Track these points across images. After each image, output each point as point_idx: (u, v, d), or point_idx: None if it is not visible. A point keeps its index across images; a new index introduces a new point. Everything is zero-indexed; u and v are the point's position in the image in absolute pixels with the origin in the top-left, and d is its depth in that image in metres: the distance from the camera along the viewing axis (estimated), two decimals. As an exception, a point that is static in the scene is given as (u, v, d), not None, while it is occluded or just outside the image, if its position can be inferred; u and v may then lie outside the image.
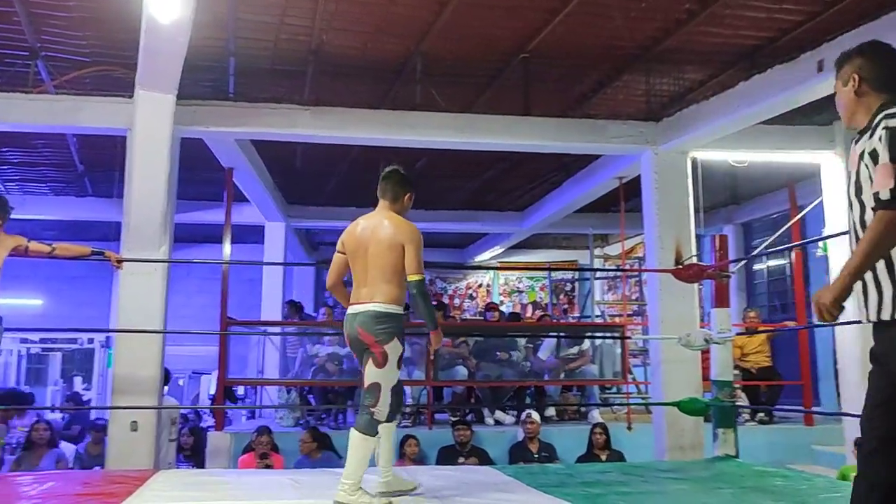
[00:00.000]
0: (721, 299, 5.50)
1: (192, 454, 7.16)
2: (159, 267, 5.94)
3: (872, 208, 2.18)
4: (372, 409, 3.45)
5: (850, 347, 6.78)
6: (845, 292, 2.19)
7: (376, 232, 3.64)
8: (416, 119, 6.73)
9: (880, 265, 2.21)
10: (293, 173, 9.74)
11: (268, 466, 6.08)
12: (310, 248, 13.42)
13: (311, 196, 10.82)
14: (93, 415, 8.33)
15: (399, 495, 3.68)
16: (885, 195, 2.13)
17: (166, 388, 6.68)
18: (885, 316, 2.19)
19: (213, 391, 10.06)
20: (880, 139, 2.18)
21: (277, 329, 9.00)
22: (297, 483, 4.06)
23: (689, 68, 6.72)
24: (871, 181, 2.19)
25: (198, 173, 8.92)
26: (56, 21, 5.70)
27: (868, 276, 2.23)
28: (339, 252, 3.78)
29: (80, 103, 6.11)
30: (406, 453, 6.44)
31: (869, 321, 2.26)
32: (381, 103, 6.92)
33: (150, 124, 5.73)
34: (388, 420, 3.56)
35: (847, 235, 2.45)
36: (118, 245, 5.85)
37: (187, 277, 12.73)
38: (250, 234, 11.63)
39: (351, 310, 3.59)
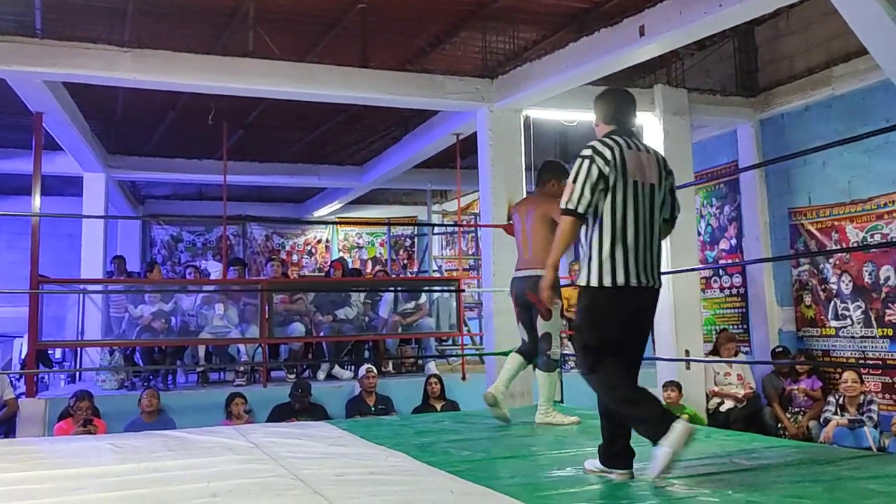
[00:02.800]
0: (549, 253, 5.72)
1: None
2: (-45, 220, 5.35)
3: None
4: (548, 352, 4.35)
5: (663, 298, 7.28)
6: (553, 280, 3.19)
7: (530, 211, 4.52)
8: (249, 66, 6.43)
9: (585, 241, 3.07)
10: (114, 121, 9.08)
11: (90, 433, 5.72)
12: (135, 202, 12.62)
13: (135, 146, 10.16)
14: None
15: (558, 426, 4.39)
16: (562, 205, 3.02)
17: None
18: (582, 282, 3.04)
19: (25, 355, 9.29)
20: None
21: (97, 287, 8.41)
22: (117, 447, 3.85)
23: (524, 28, 6.87)
24: None
25: (1, 117, 8.12)
26: None
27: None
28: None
29: None
30: (233, 412, 6.28)
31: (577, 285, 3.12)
32: (210, 49, 6.55)
33: (-63, 59, 5.09)
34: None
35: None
36: None
37: (-6, 233, 11.62)
38: (69, 186, 10.79)
39: (516, 274, 4.56)
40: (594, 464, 3.08)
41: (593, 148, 3.02)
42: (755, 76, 8.07)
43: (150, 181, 12.02)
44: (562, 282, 6.43)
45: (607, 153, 2.98)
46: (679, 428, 2.71)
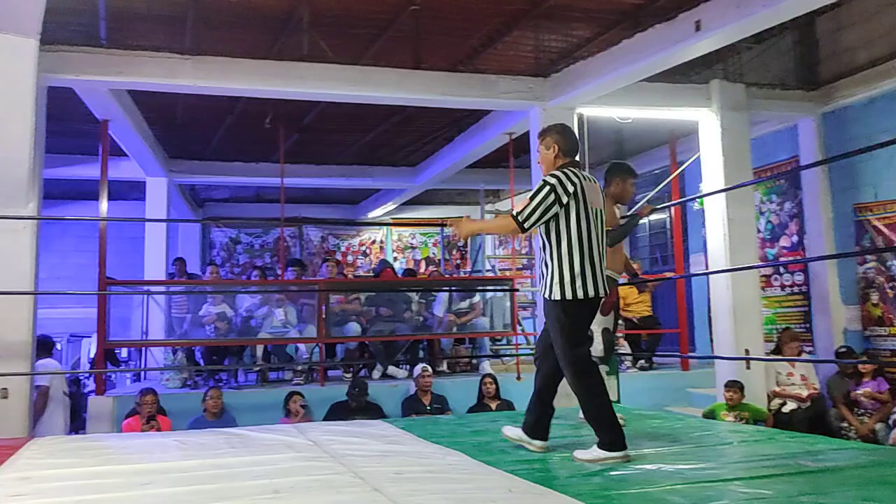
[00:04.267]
0: (604, 252, 5.67)
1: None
2: (28, 224, 5.58)
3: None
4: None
5: (722, 297, 7.20)
6: (469, 230, 3.74)
7: None
8: (305, 70, 6.54)
9: (552, 260, 3.42)
10: (175, 126, 9.32)
11: (153, 429, 5.90)
12: (195, 205, 12.94)
13: (195, 150, 10.40)
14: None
15: None
16: (514, 212, 3.45)
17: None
18: (546, 295, 3.44)
19: (93, 354, 9.62)
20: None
21: (161, 289, 8.66)
22: (182, 444, 3.96)
23: (577, 25, 6.80)
24: None
25: (71, 125, 8.40)
26: None
27: (543, 264, 3.49)
28: None
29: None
30: (291, 409, 6.40)
31: (543, 297, 3.50)
32: (267, 54, 6.68)
33: (9, 70, 5.28)
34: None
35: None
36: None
37: (63, 236, 12.02)
38: (132, 191, 11.11)
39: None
40: (514, 431, 3.65)
41: (558, 178, 3.41)
42: (816, 69, 7.86)
43: (209, 185, 12.30)
44: (619, 280, 6.43)
45: (569, 186, 3.40)
46: (618, 455, 3.28)
